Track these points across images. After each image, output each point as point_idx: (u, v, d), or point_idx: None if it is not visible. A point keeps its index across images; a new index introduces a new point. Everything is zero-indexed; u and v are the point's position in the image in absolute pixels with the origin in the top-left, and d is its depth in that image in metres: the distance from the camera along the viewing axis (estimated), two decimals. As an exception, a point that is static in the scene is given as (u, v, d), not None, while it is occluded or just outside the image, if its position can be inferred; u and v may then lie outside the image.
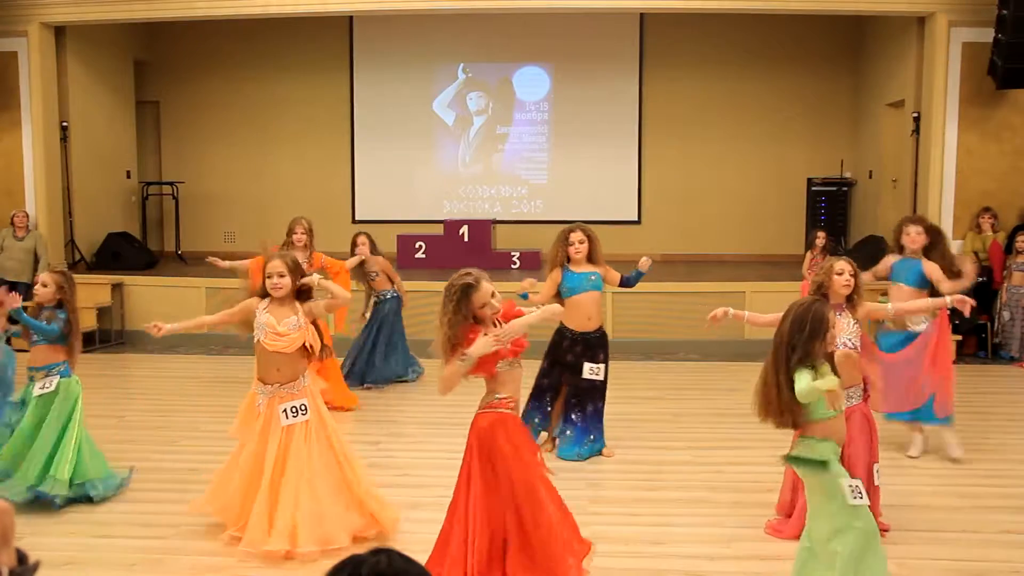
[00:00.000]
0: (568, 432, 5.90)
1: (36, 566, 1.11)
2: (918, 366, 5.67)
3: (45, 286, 5.03)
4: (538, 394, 5.99)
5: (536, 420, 5.92)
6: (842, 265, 4.64)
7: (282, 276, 4.40)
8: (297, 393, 4.42)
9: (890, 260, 5.96)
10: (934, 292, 5.67)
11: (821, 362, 3.56)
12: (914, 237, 5.84)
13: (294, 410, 4.39)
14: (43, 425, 4.96)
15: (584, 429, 5.90)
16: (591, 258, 5.85)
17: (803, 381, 3.44)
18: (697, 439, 6.38)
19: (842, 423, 3.67)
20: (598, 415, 5.97)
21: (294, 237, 7.28)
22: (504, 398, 3.77)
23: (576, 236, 5.80)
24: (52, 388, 5.00)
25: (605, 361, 5.93)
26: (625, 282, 6.00)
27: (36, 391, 5.01)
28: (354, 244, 7.85)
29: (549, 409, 5.97)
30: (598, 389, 5.94)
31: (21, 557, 1.11)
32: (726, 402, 7.39)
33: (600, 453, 5.95)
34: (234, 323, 4.56)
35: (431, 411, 7.04)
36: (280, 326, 4.37)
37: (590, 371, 5.83)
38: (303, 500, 4.30)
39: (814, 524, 3.62)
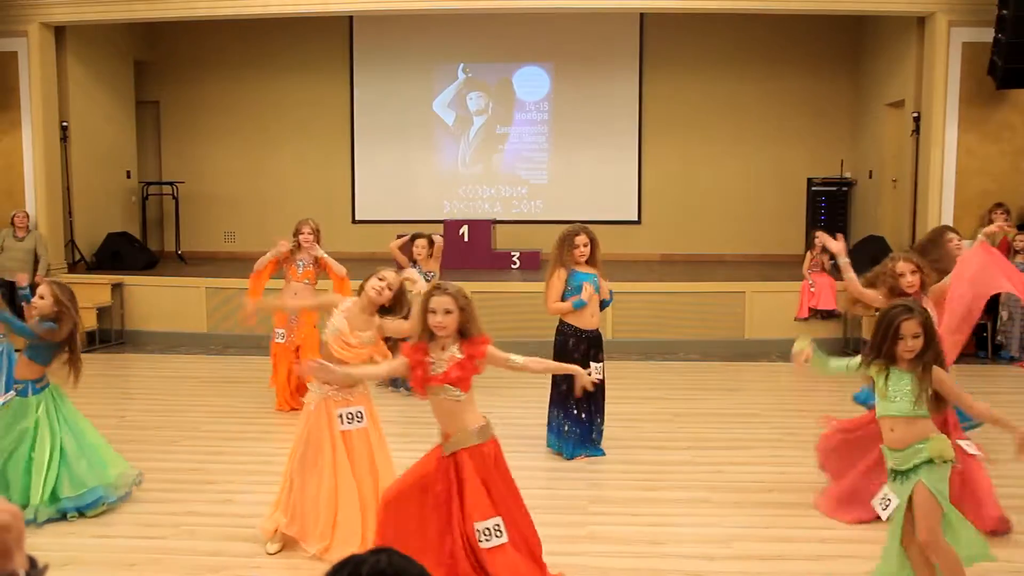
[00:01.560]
0: (567, 428, 5.90)
1: (45, 569, 1.11)
2: None
3: (42, 298, 4.80)
4: (561, 400, 5.95)
5: (577, 430, 5.90)
6: (902, 266, 4.68)
7: (389, 288, 4.37)
8: (354, 399, 4.40)
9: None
10: None
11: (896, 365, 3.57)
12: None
13: (351, 416, 4.37)
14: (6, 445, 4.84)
15: (587, 428, 5.92)
16: (591, 261, 5.90)
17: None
18: (697, 439, 6.38)
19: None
20: (592, 417, 5.98)
21: (300, 237, 7.20)
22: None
23: (581, 240, 5.84)
24: (2, 405, 4.85)
25: (602, 362, 5.99)
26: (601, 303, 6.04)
27: None
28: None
29: (575, 412, 5.92)
30: (600, 389, 5.96)
31: (32, 561, 1.11)
32: (726, 402, 7.40)
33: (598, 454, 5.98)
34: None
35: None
36: (351, 337, 4.35)
37: (596, 371, 5.85)
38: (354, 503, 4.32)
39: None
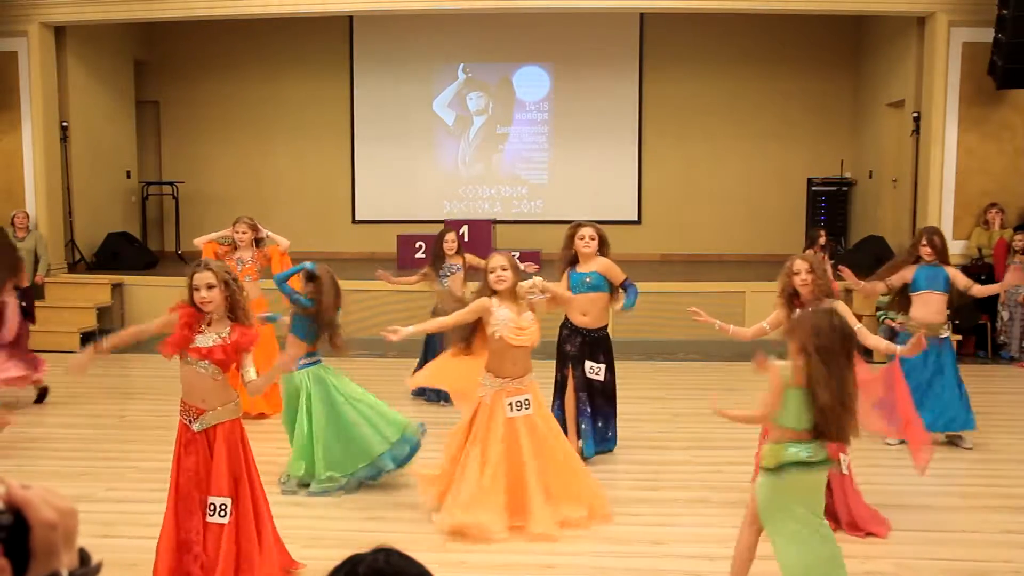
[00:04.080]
0: (584, 426, 5.85)
1: (99, 567, 1.11)
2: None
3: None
4: (558, 390, 5.97)
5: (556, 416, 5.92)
6: (798, 265, 4.75)
7: (504, 270, 4.58)
8: (524, 388, 4.60)
9: (911, 270, 6.09)
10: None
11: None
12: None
13: (519, 404, 4.56)
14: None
15: (593, 425, 5.88)
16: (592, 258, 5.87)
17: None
18: (697, 439, 6.37)
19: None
20: (604, 415, 5.94)
21: (236, 237, 7.17)
22: None
23: (587, 231, 5.84)
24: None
25: (607, 363, 5.87)
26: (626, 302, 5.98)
27: None
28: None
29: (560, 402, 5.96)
30: (600, 390, 5.90)
31: (84, 558, 1.11)
32: (726, 402, 7.37)
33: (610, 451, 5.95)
34: (470, 322, 4.65)
35: (431, 411, 7.04)
36: (522, 320, 4.55)
37: (590, 370, 5.82)
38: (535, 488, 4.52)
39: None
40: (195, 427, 3.84)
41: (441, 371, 4.91)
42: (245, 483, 3.88)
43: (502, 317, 4.53)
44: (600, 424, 5.90)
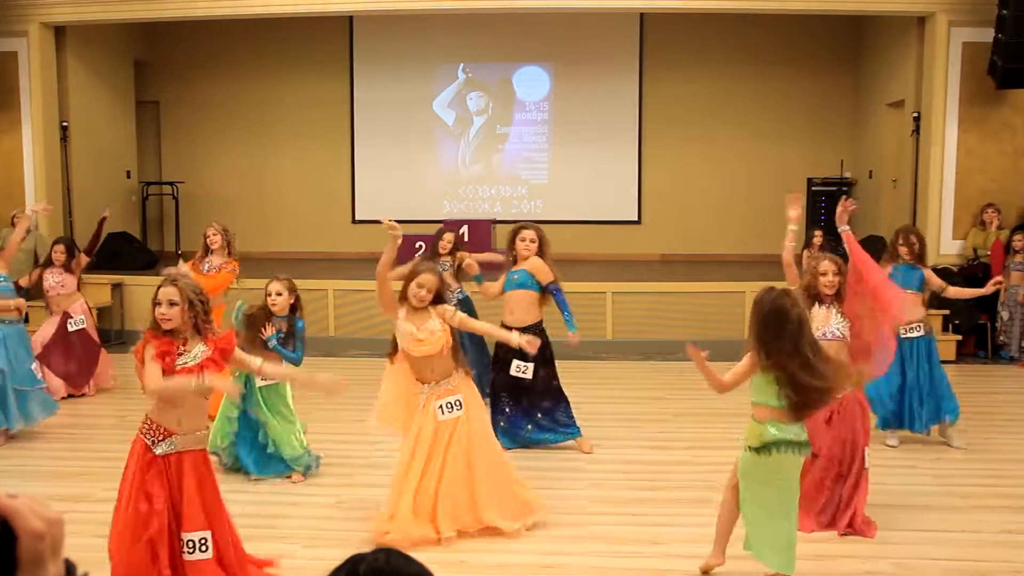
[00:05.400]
0: (502, 423, 5.91)
1: None
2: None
3: (280, 294, 5.45)
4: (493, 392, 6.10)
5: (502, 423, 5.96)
6: (826, 266, 4.75)
7: (427, 292, 4.60)
8: (454, 389, 4.61)
9: (887, 269, 6.16)
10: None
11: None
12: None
13: (448, 406, 4.57)
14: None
15: (516, 422, 5.98)
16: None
17: None
18: (697, 439, 6.37)
19: None
20: (544, 409, 5.99)
21: (208, 240, 7.06)
22: None
23: (528, 234, 5.96)
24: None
25: (542, 358, 5.82)
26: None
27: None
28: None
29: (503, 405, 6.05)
30: (532, 387, 5.93)
31: (69, 568, 1.10)
32: (726, 402, 7.34)
33: (532, 445, 6.00)
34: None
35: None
36: (420, 332, 4.53)
37: (516, 368, 5.85)
38: (457, 488, 4.51)
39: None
40: (157, 450, 3.61)
41: (388, 409, 4.79)
42: (219, 513, 3.73)
43: (403, 331, 4.56)
44: (540, 417, 5.98)
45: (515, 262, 6.00)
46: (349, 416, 6.95)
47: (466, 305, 7.17)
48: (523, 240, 5.93)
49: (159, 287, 3.65)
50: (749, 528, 3.98)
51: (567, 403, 6.10)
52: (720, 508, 4.12)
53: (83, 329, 7.72)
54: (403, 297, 4.61)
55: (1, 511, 1.04)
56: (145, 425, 3.68)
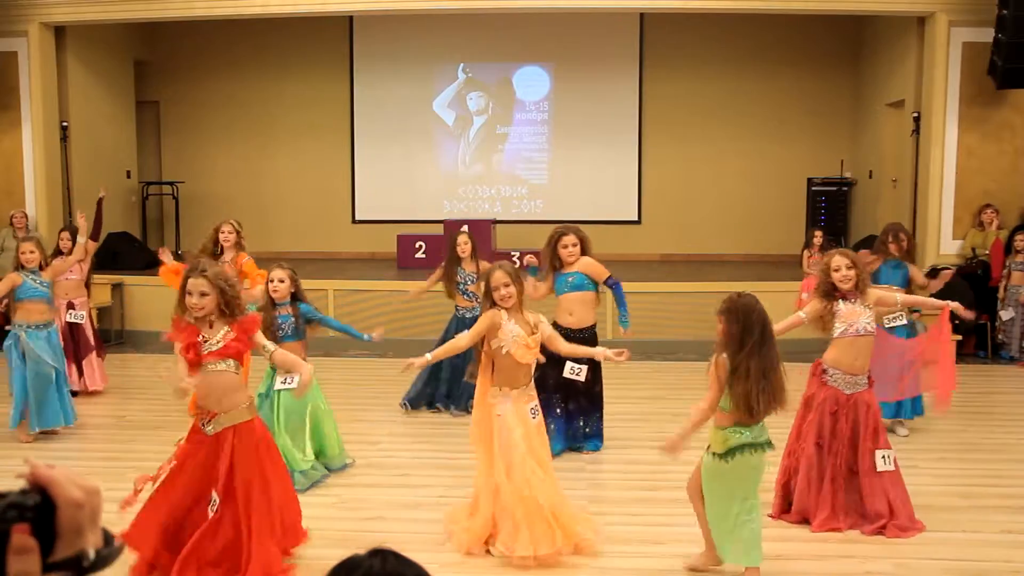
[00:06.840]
0: (552, 426, 5.83)
1: (122, 546, 1.13)
2: (909, 360, 5.81)
3: (283, 281, 5.40)
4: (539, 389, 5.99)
5: (552, 425, 5.90)
6: (838, 261, 4.71)
7: (507, 286, 4.42)
8: (533, 395, 4.52)
9: (876, 264, 6.30)
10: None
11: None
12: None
13: (533, 410, 4.48)
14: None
15: (565, 425, 5.92)
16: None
17: None
18: (697, 439, 6.34)
19: None
20: (586, 414, 5.97)
21: (221, 237, 7.11)
22: None
23: (569, 240, 5.91)
24: (292, 384, 5.18)
25: (591, 363, 5.79)
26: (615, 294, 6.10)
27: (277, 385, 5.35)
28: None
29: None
30: (583, 391, 5.91)
31: (107, 537, 1.12)
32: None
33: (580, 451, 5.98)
34: (479, 342, 4.45)
35: (431, 412, 7.04)
36: (531, 339, 4.41)
37: (570, 370, 5.82)
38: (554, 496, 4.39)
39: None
40: (208, 429, 3.89)
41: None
42: (256, 483, 3.89)
43: (512, 333, 4.37)
44: (580, 423, 5.96)
45: (557, 267, 5.94)
46: (349, 416, 6.96)
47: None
48: (565, 247, 5.89)
49: (187, 277, 3.85)
50: (714, 528, 4.01)
51: (601, 412, 6.08)
52: (697, 517, 4.16)
53: (81, 324, 7.72)
54: (492, 303, 4.42)
55: (41, 481, 1.08)
56: (198, 412, 3.98)
